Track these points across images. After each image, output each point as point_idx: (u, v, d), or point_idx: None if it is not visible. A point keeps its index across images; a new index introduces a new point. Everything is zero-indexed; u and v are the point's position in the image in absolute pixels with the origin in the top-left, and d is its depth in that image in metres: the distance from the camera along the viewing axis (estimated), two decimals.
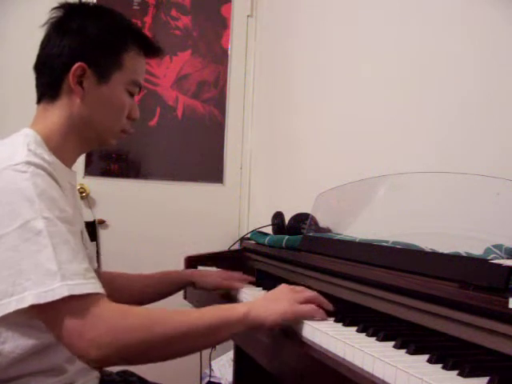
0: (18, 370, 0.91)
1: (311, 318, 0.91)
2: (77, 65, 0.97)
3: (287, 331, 0.93)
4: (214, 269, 1.52)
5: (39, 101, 1.03)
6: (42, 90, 1.03)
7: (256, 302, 0.93)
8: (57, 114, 1.00)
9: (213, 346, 0.91)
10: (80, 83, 0.99)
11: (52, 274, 0.79)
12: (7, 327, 0.89)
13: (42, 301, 0.78)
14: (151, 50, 1.09)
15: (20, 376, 0.92)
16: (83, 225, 1.21)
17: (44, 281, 0.78)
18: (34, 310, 0.79)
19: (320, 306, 0.93)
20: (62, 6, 1.03)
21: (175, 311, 0.87)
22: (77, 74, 0.98)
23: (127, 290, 1.30)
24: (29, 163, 0.85)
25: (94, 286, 0.82)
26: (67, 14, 1.02)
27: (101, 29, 1.01)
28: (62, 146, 0.99)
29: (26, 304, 0.78)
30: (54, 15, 1.02)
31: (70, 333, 0.79)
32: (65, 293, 0.78)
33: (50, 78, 1.00)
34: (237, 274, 1.37)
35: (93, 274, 0.84)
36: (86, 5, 1.06)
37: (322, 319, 0.91)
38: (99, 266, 1.32)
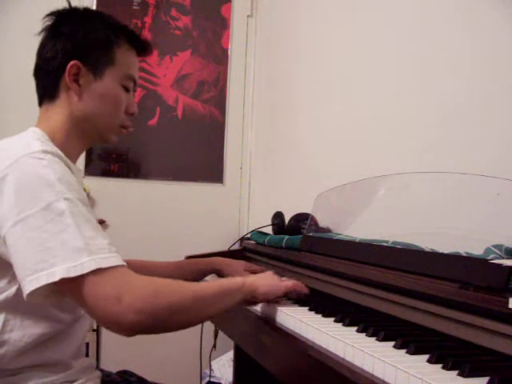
0: (24, 362, 0.93)
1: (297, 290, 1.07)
2: (71, 63, 1.01)
3: (287, 331, 0.93)
4: None
5: (40, 103, 1.07)
6: (41, 93, 1.07)
7: (250, 276, 1.05)
8: (58, 112, 1.04)
9: (220, 313, 0.97)
10: (76, 81, 1.03)
11: (79, 250, 0.82)
12: (14, 315, 0.92)
13: (71, 274, 0.80)
14: (140, 45, 1.12)
15: (25, 369, 0.93)
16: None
17: (72, 257, 0.81)
18: (62, 285, 0.81)
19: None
20: (53, 13, 1.07)
21: (186, 282, 0.93)
22: (72, 72, 1.02)
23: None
24: (45, 151, 0.89)
25: (118, 259, 0.85)
26: (58, 20, 1.06)
27: (91, 28, 1.05)
28: (65, 143, 1.02)
29: (56, 278, 0.80)
30: (46, 23, 1.06)
31: (106, 300, 0.81)
32: (92, 266, 0.81)
33: (47, 80, 1.05)
34: (256, 266, 1.44)
35: (115, 249, 0.87)
36: (76, 9, 1.10)
37: (305, 294, 1.08)
38: None
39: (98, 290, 0.81)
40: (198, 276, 1.40)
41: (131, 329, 0.82)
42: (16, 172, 0.86)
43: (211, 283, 0.98)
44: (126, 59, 1.08)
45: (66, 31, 1.04)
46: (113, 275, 0.83)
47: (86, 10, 1.11)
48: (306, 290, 1.09)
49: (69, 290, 0.83)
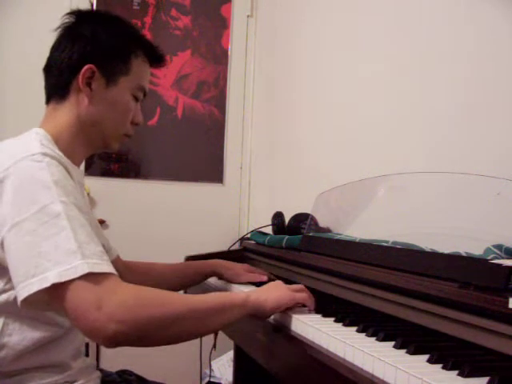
0: (24, 364, 0.93)
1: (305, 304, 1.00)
2: (86, 66, 1.02)
3: (287, 331, 0.93)
4: None
5: (48, 101, 1.07)
6: (50, 91, 1.07)
7: (255, 290, 1.00)
8: (65, 113, 1.04)
9: (218, 328, 0.96)
10: (88, 84, 1.03)
11: (72, 253, 0.80)
12: (14, 319, 0.92)
13: (63, 279, 0.79)
14: (156, 58, 1.14)
15: (25, 370, 0.93)
16: (97, 222, 1.24)
17: (65, 260, 0.80)
18: (53, 290, 0.79)
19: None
20: (74, 13, 1.08)
21: (182, 294, 0.89)
22: (86, 76, 1.02)
23: (154, 278, 1.33)
24: (45, 154, 0.89)
25: (109, 267, 0.84)
26: (79, 20, 1.07)
27: (111, 35, 1.06)
28: (70, 146, 1.02)
29: (48, 283, 0.78)
30: (66, 21, 1.07)
31: (88, 307, 0.79)
32: (85, 270, 0.79)
33: (58, 79, 1.04)
34: (256, 269, 1.43)
35: (107, 257, 0.86)
36: (97, 12, 1.10)
37: (310, 311, 1.00)
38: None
39: (81, 295, 0.79)
40: (198, 278, 1.38)
41: (112, 339, 0.79)
42: (14, 174, 0.86)
43: (211, 296, 0.93)
44: (141, 70, 1.10)
45: (87, 34, 1.04)
46: (101, 282, 0.81)
47: (108, 15, 1.12)
48: (312, 308, 1.01)
49: (57, 294, 0.81)
